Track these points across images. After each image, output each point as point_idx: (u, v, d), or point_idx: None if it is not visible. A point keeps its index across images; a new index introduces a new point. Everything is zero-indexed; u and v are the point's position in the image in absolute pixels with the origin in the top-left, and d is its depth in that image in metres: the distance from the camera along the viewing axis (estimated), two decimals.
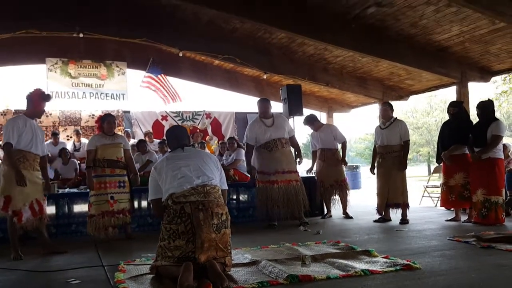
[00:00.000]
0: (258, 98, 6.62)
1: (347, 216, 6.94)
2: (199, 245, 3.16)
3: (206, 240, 3.18)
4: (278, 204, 6.04)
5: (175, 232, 3.25)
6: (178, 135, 3.79)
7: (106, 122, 5.59)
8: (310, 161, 7.48)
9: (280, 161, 6.13)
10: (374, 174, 6.73)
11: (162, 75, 10.11)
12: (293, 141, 6.52)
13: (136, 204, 6.35)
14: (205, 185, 3.41)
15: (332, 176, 7.00)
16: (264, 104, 6.32)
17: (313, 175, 7.32)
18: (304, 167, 8.31)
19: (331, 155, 7.03)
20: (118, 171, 5.59)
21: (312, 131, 7.29)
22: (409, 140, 6.40)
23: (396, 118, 6.47)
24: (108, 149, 5.52)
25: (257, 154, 6.33)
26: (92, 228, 5.36)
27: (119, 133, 9.08)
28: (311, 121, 7.26)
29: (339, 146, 7.24)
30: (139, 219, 6.35)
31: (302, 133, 39.45)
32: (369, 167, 6.83)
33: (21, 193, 4.55)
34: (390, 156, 6.34)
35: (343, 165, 7.09)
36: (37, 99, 4.74)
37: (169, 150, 3.86)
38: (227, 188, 3.77)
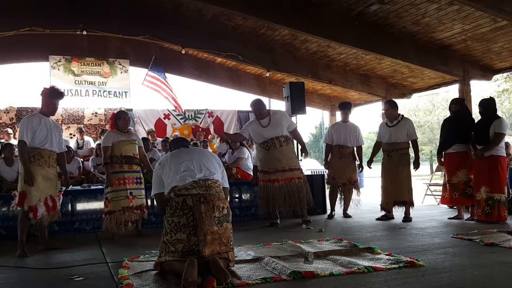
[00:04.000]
0: (260, 97, 6.58)
1: (346, 215, 6.89)
2: (202, 238, 3.19)
3: (209, 233, 3.21)
4: (279, 202, 6.00)
5: (177, 225, 3.28)
6: (181, 140, 4.08)
7: (121, 119, 5.61)
8: (315, 160, 7.41)
9: (279, 160, 6.03)
10: (370, 168, 6.88)
11: (166, 80, 10.11)
12: (295, 135, 6.39)
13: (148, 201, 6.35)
14: (207, 179, 3.47)
15: (346, 175, 6.83)
16: (256, 106, 6.13)
17: (325, 172, 7.20)
18: (309, 165, 8.25)
19: (349, 153, 6.86)
20: (135, 167, 5.63)
21: (334, 122, 7.14)
22: (417, 139, 6.43)
23: (403, 116, 6.47)
24: (124, 145, 5.55)
25: (257, 153, 6.32)
26: (112, 224, 5.34)
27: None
28: (349, 107, 7.14)
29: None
30: None
31: (304, 132, 39.40)
32: (372, 164, 6.81)
33: (37, 190, 4.61)
34: (397, 154, 6.34)
35: (359, 169, 6.97)
36: (45, 97, 4.79)
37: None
38: (228, 186, 3.82)
